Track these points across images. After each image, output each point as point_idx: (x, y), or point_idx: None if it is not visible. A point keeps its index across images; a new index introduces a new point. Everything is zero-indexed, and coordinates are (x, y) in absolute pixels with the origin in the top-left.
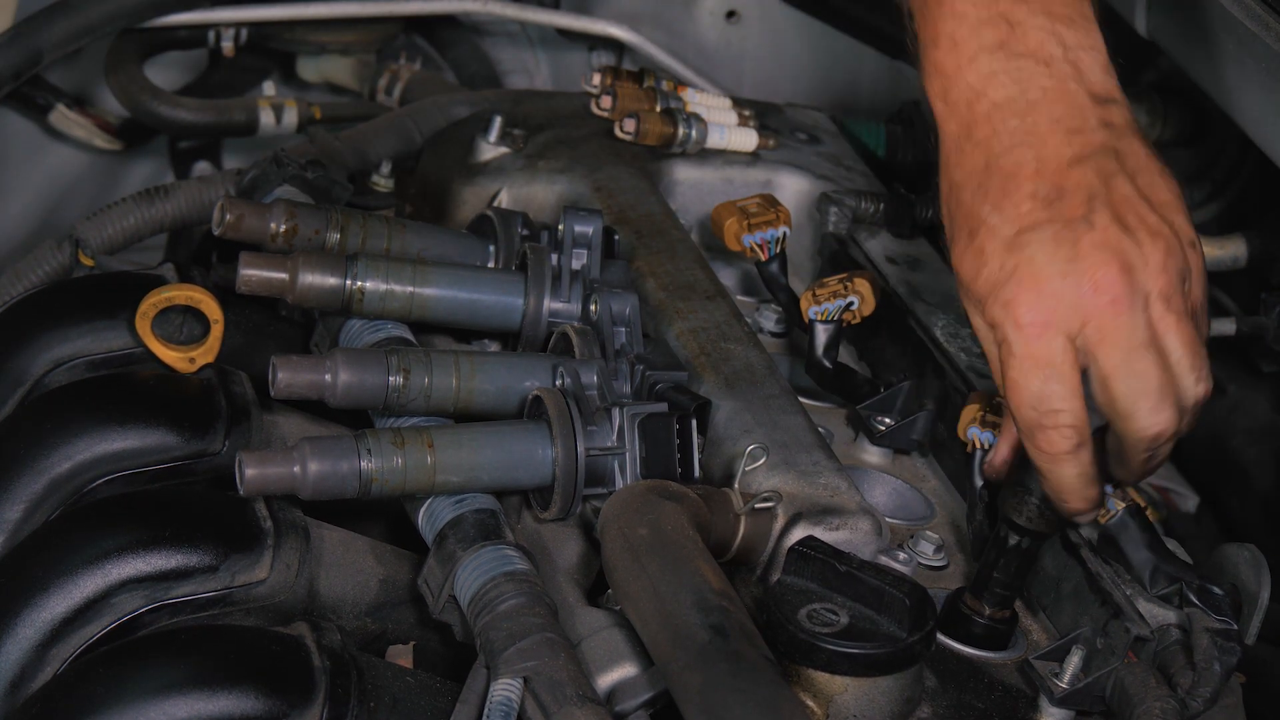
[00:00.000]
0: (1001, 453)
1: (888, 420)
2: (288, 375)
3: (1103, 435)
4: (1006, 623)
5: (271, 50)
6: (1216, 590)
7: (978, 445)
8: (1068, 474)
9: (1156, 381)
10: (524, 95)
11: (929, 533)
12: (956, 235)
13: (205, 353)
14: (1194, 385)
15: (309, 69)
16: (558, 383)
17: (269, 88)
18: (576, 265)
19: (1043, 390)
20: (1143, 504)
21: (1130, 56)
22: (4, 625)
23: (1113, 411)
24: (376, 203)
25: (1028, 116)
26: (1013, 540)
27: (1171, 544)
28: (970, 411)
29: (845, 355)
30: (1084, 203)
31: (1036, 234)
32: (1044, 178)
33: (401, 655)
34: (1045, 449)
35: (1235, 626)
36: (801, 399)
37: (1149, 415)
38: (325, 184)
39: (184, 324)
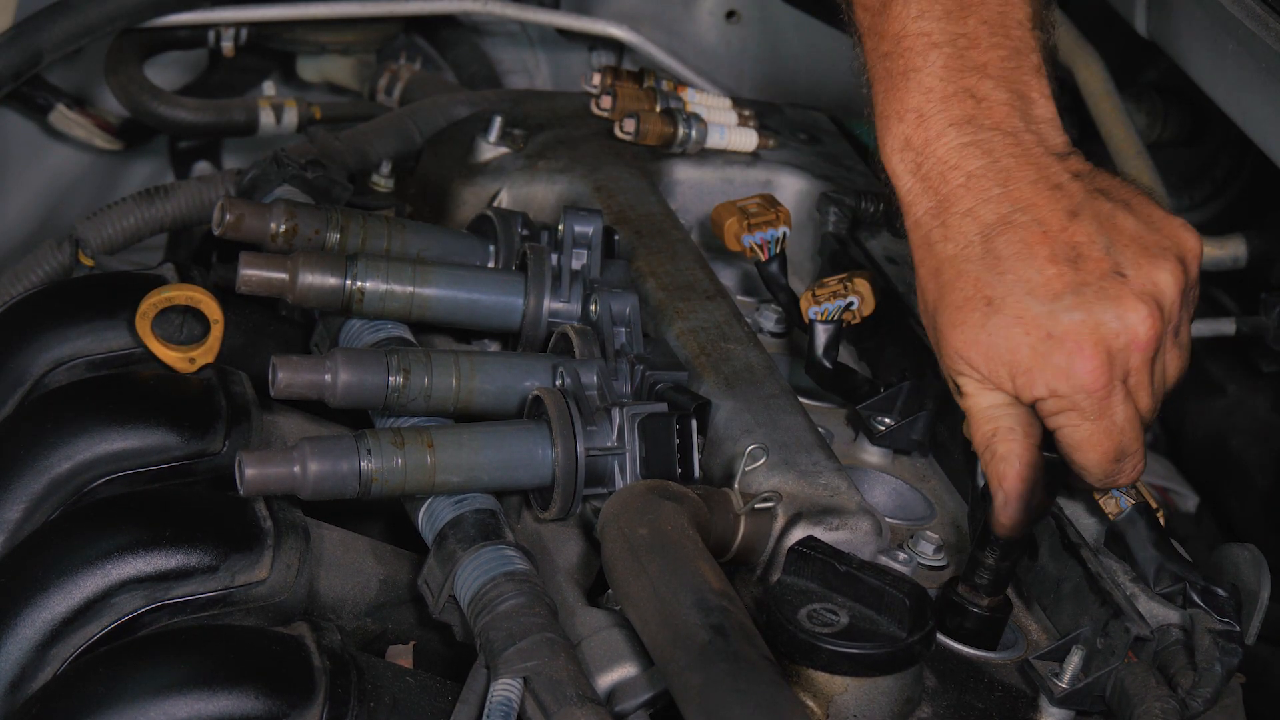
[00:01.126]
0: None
1: (888, 420)
2: (287, 375)
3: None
4: (998, 611)
5: (271, 50)
6: (1220, 592)
7: None
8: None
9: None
10: (524, 95)
11: (929, 533)
12: (963, 309)
13: (205, 353)
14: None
15: (309, 69)
16: (558, 383)
17: (269, 88)
18: (576, 265)
19: (1122, 441)
20: (1154, 504)
21: (1130, 56)
22: (4, 625)
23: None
24: (376, 203)
25: (1008, 184)
26: None
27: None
28: None
29: (845, 355)
30: (1104, 255)
31: (1077, 297)
32: (1053, 238)
33: (401, 655)
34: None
35: (1238, 628)
36: (801, 399)
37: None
38: (325, 184)
39: (184, 324)
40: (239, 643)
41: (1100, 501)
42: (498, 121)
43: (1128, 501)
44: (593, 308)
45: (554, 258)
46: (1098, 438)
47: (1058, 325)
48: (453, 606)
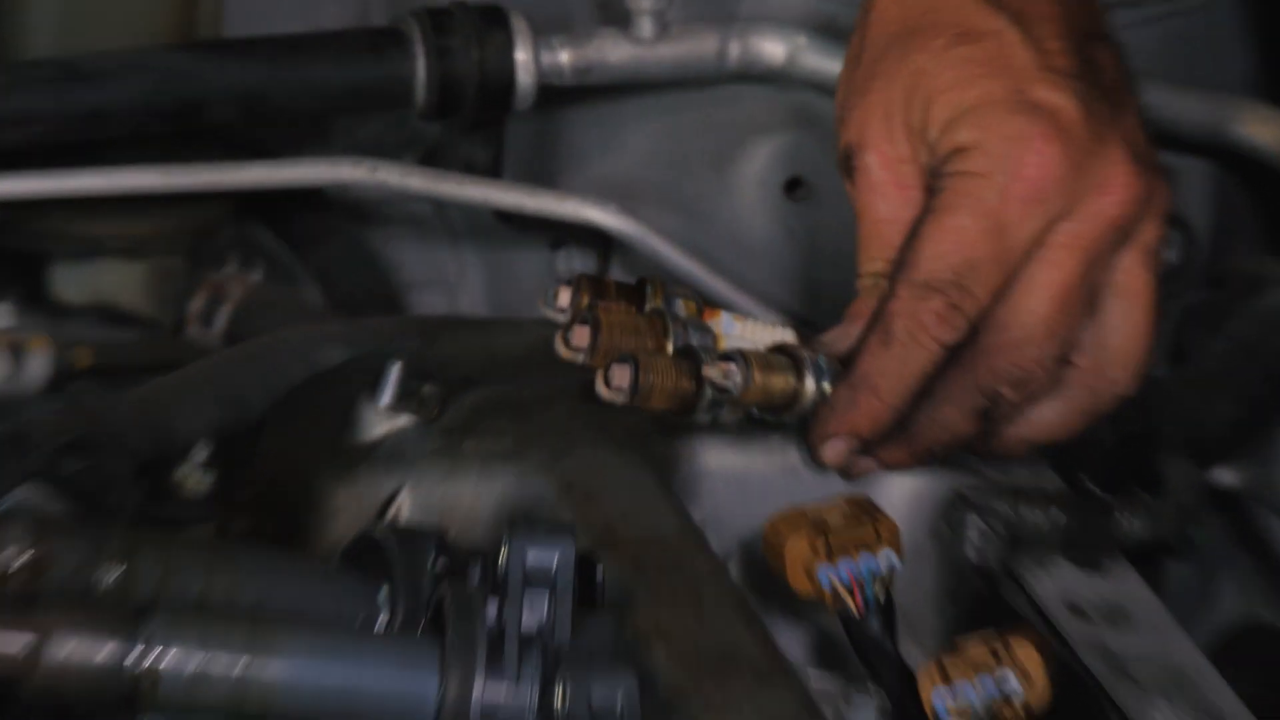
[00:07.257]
0: None
1: None
2: None
3: None
4: None
5: (6, 250)
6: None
7: None
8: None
9: None
10: (440, 326)
11: None
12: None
13: None
14: None
15: (72, 282)
16: None
17: (3, 315)
18: (530, 622)
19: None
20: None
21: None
22: None
23: None
24: (185, 514)
25: None
26: None
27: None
28: None
29: None
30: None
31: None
32: None
33: None
34: None
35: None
36: None
37: None
38: (97, 483)
39: None
40: None
41: None
42: (395, 372)
43: None
44: (558, 695)
45: (491, 609)
46: None
47: None
48: None
